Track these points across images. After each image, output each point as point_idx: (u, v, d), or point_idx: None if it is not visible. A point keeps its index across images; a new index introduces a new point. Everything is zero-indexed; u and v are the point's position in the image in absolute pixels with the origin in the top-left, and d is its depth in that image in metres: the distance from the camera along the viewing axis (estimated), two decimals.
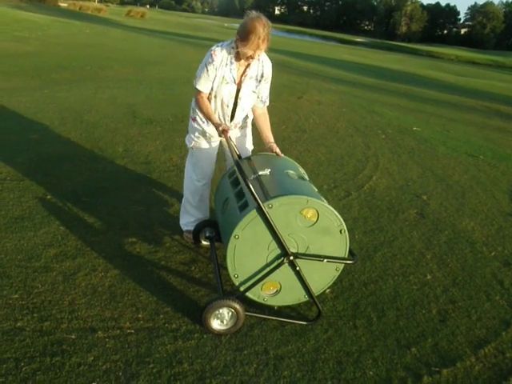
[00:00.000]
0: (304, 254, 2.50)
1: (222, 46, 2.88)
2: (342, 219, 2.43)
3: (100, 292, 2.77)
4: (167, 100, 7.99)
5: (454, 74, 25.99)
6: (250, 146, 3.35)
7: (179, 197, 4.15)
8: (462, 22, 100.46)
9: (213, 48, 2.88)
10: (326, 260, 2.48)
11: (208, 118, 3.00)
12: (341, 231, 2.42)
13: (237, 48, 2.80)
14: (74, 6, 37.79)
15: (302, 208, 2.40)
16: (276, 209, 2.39)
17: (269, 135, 3.09)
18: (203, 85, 2.93)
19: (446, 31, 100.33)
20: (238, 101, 2.99)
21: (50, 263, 2.98)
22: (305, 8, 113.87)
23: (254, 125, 3.28)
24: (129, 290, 2.82)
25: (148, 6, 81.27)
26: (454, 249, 3.89)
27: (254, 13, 2.74)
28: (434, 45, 67.13)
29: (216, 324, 2.49)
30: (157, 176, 4.61)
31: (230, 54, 2.85)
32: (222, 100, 2.96)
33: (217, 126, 2.93)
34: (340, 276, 2.69)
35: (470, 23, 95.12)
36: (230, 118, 3.06)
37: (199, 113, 3.07)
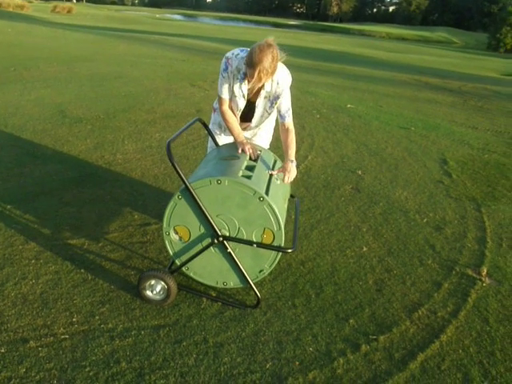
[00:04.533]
0: (233, 238, 2.49)
1: (236, 56, 2.74)
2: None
3: (31, 300, 2.65)
4: (98, 97, 7.72)
5: (385, 50, 26.73)
6: (261, 144, 3.24)
7: (112, 194, 4.04)
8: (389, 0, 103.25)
9: (228, 56, 2.75)
10: (255, 245, 2.47)
11: (231, 131, 2.96)
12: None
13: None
14: None
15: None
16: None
17: (289, 152, 2.86)
18: (224, 91, 2.84)
19: (375, 9, 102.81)
20: (253, 113, 2.94)
21: None
22: None
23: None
24: (62, 294, 2.71)
25: (75, 1, 77.90)
26: (389, 219, 4.01)
27: (269, 40, 2.55)
28: (365, 23, 68.67)
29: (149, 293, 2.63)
30: (88, 175, 4.44)
31: (241, 68, 2.71)
32: (235, 106, 2.91)
33: (239, 144, 2.88)
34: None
35: (396, 1, 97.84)
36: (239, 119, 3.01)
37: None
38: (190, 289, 2.79)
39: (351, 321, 2.64)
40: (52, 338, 2.36)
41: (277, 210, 2.42)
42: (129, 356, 2.28)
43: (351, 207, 4.19)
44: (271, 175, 2.74)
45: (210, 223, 2.46)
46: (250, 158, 2.82)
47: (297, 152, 5.51)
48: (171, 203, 2.50)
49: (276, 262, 2.55)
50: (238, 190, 2.41)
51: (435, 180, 5.10)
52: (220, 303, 2.70)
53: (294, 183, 4.59)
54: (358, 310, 2.74)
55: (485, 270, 3.28)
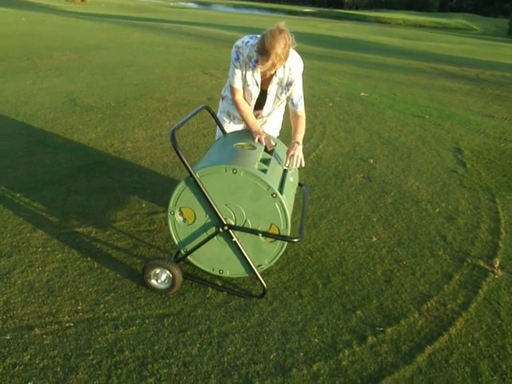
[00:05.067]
0: (239, 227, 2.45)
1: (246, 43, 2.68)
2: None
3: (37, 288, 2.65)
4: (109, 85, 7.71)
5: (401, 37, 26.30)
6: (271, 132, 3.21)
7: (120, 183, 4.03)
8: None
9: (238, 44, 2.70)
10: (261, 235, 2.43)
11: (246, 121, 2.94)
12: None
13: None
14: None
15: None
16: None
17: (296, 136, 2.84)
18: (237, 81, 2.80)
19: None
20: (265, 101, 2.91)
21: None
22: None
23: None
24: (68, 282, 2.71)
25: None
26: (400, 209, 3.94)
27: (280, 25, 2.49)
28: (380, 10, 67.61)
29: (154, 282, 2.63)
30: (98, 163, 4.44)
31: (253, 55, 2.66)
32: (249, 95, 2.87)
33: (255, 133, 2.85)
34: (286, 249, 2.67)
35: None
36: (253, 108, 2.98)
37: (228, 93, 3.01)
38: (195, 278, 2.77)
39: (358, 312, 2.60)
40: (57, 325, 2.37)
41: (287, 209, 2.39)
42: (132, 345, 2.27)
43: (362, 196, 4.12)
44: (285, 171, 2.70)
45: (216, 212, 2.42)
46: (265, 150, 2.78)
47: (308, 140, 5.50)
48: (180, 185, 2.47)
49: (277, 258, 2.52)
50: (253, 182, 2.37)
51: (449, 169, 5.00)
52: (226, 293, 2.68)
53: (305, 172, 4.54)
54: (365, 301, 2.69)
55: (497, 262, 3.21)
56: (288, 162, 2.71)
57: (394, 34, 28.70)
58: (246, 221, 2.45)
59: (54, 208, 3.54)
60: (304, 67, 2.81)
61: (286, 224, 2.41)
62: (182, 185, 2.46)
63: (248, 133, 2.91)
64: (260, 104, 2.95)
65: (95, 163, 4.43)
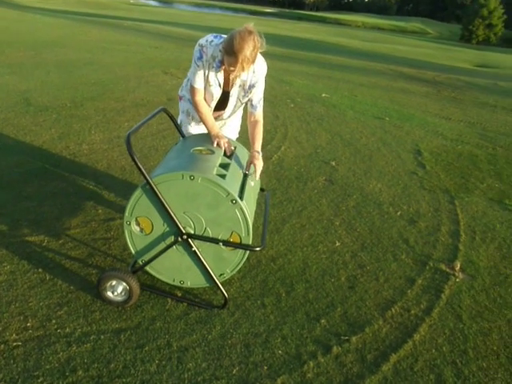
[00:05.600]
0: (198, 236, 2.36)
1: (211, 43, 2.56)
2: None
3: None
4: (65, 84, 7.42)
5: (361, 40, 26.72)
6: (230, 134, 3.12)
7: (75, 187, 3.85)
8: None
9: (202, 43, 2.57)
10: (221, 244, 2.34)
11: (205, 124, 2.82)
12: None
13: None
14: None
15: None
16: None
17: (256, 144, 2.76)
18: (198, 81, 2.68)
19: None
20: (226, 103, 2.81)
21: None
22: None
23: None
24: (17, 296, 2.53)
25: None
26: (362, 212, 3.93)
27: (249, 26, 2.39)
28: (341, 12, 68.62)
29: (110, 294, 2.49)
30: (51, 167, 4.22)
31: (217, 55, 2.55)
32: (210, 96, 2.77)
33: (213, 137, 2.74)
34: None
35: None
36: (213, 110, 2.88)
37: (186, 93, 2.90)
38: (154, 288, 2.65)
39: (322, 321, 2.54)
40: (3, 345, 2.19)
41: (248, 216, 2.30)
42: (86, 363, 2.13)
43: (324, 200, 4.09)
44: (245, 175, 2.62)
45: (174, 220, 2.32)
46: (225, 154, 2.69)
47: (270, 142, 5.45)
48: (136, 193, 2.35)
49: (239, 266, 2.44)
50: (211, 189, 2.27)
51: (409, 171, 5.05)
52: (186, 304, 2.57)
53: (266, 175, 4.48)
54: (329, 309, 2.64)
55: (458, 265, 3.23)
56: (250, 170, 2.64)
57: (354, 36, 29.15)
58: (205, 229, 2.35)
59: (2, 215, 3.33)
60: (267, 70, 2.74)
61: (248, 231, 2.32)
62: (137, 193, 2.34)
63: (207, 136, 2.82)
64: (221, 105, 2.86)
65: (49, 167, 4.22)
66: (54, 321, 2.37)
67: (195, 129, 3.06)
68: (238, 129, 3.24)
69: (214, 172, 2.35)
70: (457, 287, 2.99)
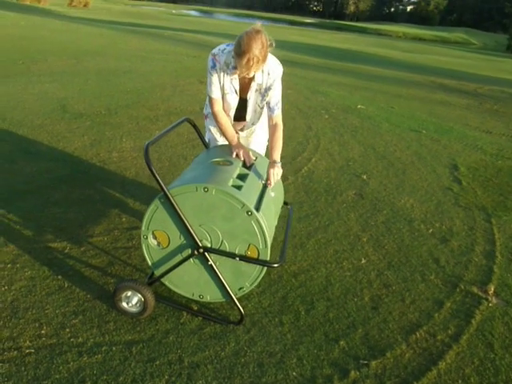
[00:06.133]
0: (215, 250, 2.30)
1: (223, 51, 2.56)
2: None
3: (0, 309, 2.48)
4: (102, 92, 7.58)
5: (401, 50, 26.31)
6: (258, 148, 3.09)
7: (102, 195, 3.88)
8: None
9: (214, 52, 2.58)
10: (238, 259, 2.28)
11: (224, 134, 2.80)
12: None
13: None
14: None
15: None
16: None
17: (273, 153, 2.66)
18: (215, 90, 2.66)
19: (393, 9, 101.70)
20: (245, 110, 2.78)
21: None
22: None
23: None
24: (34, 303, 2.54)
25: None
26: (392, 229, 3.79)
27: (256, 26, 2.39)
28: (381, 23, 67.93)
29: (125, 305, 2.47)
30: (81, 173, 4.28)
31: (230, 62, 2.53)
32: (227, 105, 2.75)
33: (233, 147, 2.73)
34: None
35: (415, 0, 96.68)
36: (233, 119, 2.86)
37: (210, 109, 2.87)
38: (170, 301, 2.61)
39: (342, 342, 2.43)
40: (16, 352, 2.20)
41: (265, 227, 2.23)
42: (95, 375, 2.10)
43: (353, 214, 3.97)
44: (265, 186, 2.55)
45: (191, 233, 2.27)
46: (244, 165, 2.64)
47: (300, 154, 5.36)
48: (152, 206, 2.33)
49: (258, 280, 2.36)
50: (226, 200, 2.22)
51: (444, 187, 4.85)
52: (201, 318, 2.51)
53: (294, 187, 4.40)
54: (350, 330, 2.53)
55: (492, 288, 3.05)
56: (271, 183, 2.57)
57: (393, 47, 28.72)
58: (222, 242, 2.30)
59: (29, 220, 3.38)
60: (283, 72, 2.69)
61: (265, 243, 2.25)
62: (154, 205, 2.31)
63: (229, 148, 2.77)
64: (241, 113, 2.82)
65: (78, 173, 4.28)
66: (68, 329, 2.36)
67: (223, 143, 3.01)
68: (266, 143, 3.16)
69: (230, 183, 2.30)
70: (489, 313, 2.81)
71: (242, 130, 2.98)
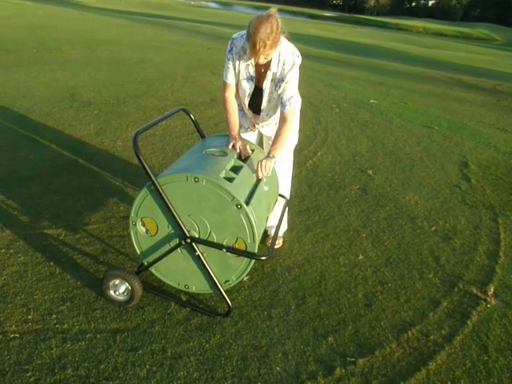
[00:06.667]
0: (202, 241, 2.27)
1: (242, 36, 2.49)
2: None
3: None
4: (112, 81, 7.58)
5: (420, 45, 25.90)
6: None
7: (102, 183, 3.87)
8: None
9: (234, 37, 2.53)
10: (225, 250, 2.24)
11: (227, 122, 2.73)
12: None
13: None
14: None
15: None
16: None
17: (272, 147, 2.55)
18: (228, 75, 2.61)
19: (414, 3, 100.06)
20: (261, 99, 2.69)
21: None
22: None
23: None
24: (24, 288, 2.55)
25: None
26: (393, 225, 3.71)
27: (270, 10, 2.30)
28: (402, 17, 66.97)
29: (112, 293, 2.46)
30: (84, 161, 4.29)
31: (247, 47, 2.44)
32: (243, 92, 2.69)
33: (231, 138, 2.67)
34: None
35: None
36: (250, 110, 2.81)
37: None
38: (159, 291, 2.59)
39: (330, 338, 2.38)
40: (1, 336, 2.20)
41: (254, 222, 2.18)
42: (77, 362, 2.09)
43: (354, 210, 3.90)
44: (259, 180, 2.50)
45: (178, 223, 2.24)
46: (240, 157, 2.59)
47: (307, 147, 5.29)
48: (142, 193, 2.30)
49: (244, 274, 2.33)
50: (216, 192, 2.17)
51: (451, 184, 4.74)
52: (189, 309, 2.49)
53: (297, 180, 4.34)
54: (339, 327, 2.48)
55: (492, 289, 2.97)
56: (257, 174, 2.48)
57: (412, 42, 28.29)
58: (210, 233, 2.26)
59: (27, 207, 3.39)
60: (301, 64, 2.54)
61: (253, 238, 2.21)
62: (143, 193, 2.28)
63: (225, 138, 2.72)
64: (257, 104, 2.73)
65: (81, 161, 4.28)
66: (54, 315, 2.36)
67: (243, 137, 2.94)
68: (294, 142, 3.03)
69: (222, 175, 2.26)
70: (487, 314, 2.73)
71: (257, 122, 2.91)
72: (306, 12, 59.10)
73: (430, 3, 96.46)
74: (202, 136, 2.97)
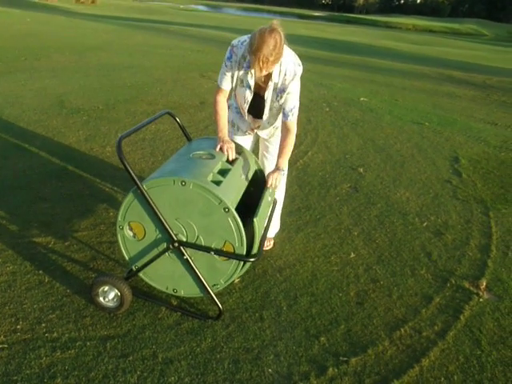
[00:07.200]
0: (190, 244, 2.25)
1: (243, 43, 2.47)
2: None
3: None
4: (101, 87, 7.55)
5: (409, 42, 26.00)
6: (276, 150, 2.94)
7: (92, 189, 3.85)
8: None
9: (233, 43, 2.51)
10: (213, 253, 2.22)
11: (216, 122, 2.70)
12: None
13: None
14: None
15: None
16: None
17: (279, 159, 2.59)
18: (223, 81, 2.60)
19: (402, 1, 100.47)
20: (261, 107, 2.67)
21: None
22: None
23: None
24: (13, 298, 2.52)
25: None
26: (385, 222, 3.71)
27: (273, 24, 2.28)
28: (391, 15, 67.21)
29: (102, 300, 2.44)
30: (72, 168, 4.26)
31: (247, 56, 2.44)
32: (241, 98, 2.67)
33: (218, 139, 2.64)
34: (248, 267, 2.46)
35: None
36: (250, 115, 2.79)
37: (234, 102, 2.82)
38: (149, 296, 2.57)
39: (322, 338, 2.37)
40: None
41: (241, 225, 2.17)
42: (67, 370, 2.07)
43: (345, 208, 3.90)
44: (246, 183, 2.49)
45: (165, 227, 2.22)
46: (228, 160, 2.57)
47: (297, 147, 5.27)
48: (129, 197, 2.28)
49: (232, 278, 2.31)
50: (203, 195, 2.16)
51: (443, 179, 4.75)
52: (179, 313, 2.47)
53: (288, 180, 4.29)
54: (332, 326, 2.46)
55: (484, 283, 2.96)
56: (268, 183, 2.55)
57: (402, 39, 28.39)
58: (198, 237, 2.24)
59: (16, 216, 3.36)
60: (302, 73, 2.56)
61: (241, 241, 2.19)
62: (129, 197, 2.27)
63: (214, 141, 2.71)
64: (258, 112, 2.71)
65: (70, 168, 4.25)
66: (43, 324, 2.33)
67: (240, 140, 2.92)
68: None
69: (209, 178, 2.24)
70: (479, 308, 2.73)
71: (258, 128, 2.90)
72: (295, 12, 59.20)
73: (419, 0, 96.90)
74: (189, 139, 2.96)
